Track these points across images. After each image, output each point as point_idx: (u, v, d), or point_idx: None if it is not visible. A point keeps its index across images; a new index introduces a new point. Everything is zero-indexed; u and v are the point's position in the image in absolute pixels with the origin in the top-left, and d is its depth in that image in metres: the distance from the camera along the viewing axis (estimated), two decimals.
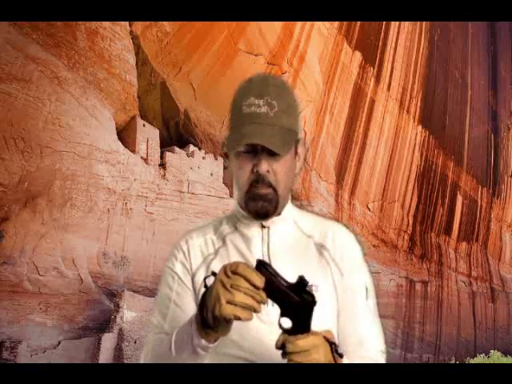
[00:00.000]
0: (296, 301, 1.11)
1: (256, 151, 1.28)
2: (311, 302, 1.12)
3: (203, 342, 1.16)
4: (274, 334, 1.26)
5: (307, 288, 1.12)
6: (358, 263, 1.39)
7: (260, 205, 1.31)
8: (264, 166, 1.28)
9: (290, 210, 1.39)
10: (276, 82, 1.33)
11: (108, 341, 18.23)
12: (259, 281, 1.08)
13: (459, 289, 38.11)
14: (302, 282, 1.11)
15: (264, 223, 1.36)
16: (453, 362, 30.15)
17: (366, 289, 1.38)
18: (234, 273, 1.08)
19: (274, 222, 1.36)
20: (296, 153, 1.37)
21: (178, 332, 1.23)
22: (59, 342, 17.72)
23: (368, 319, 1.34)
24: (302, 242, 1.37)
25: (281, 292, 1.11)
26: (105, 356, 17.94)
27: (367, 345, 1.31)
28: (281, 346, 1.12)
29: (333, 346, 1.15)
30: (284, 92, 1.32)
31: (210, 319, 1.12)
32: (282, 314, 1.13)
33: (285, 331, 1.12)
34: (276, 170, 1.30)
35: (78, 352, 17.66)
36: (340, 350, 1.17)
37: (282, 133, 1.29)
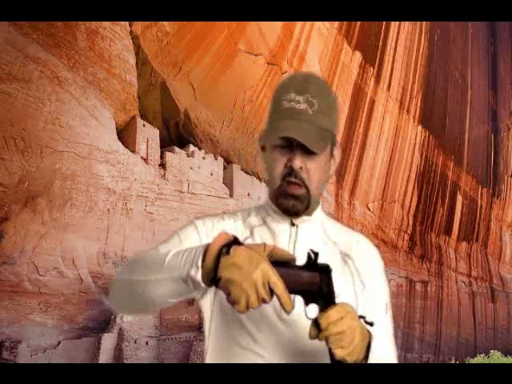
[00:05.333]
0: (313, 275, 1.11)
1: (291, 147, 1.28)
2: (327, 268, 1.12)
3: (199, 277, 1.13)
4: (291, 333, 1.26)
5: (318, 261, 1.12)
6: (380, 277, 1.39)
7: (291, 204, 1.31)
8: (298, 162, 1.28)
9: (319, 214, 1.39)
10: (318, 81, 1.34)
11: (108, 341, 18.22)
12: (289, 306, 1.08)
13: (459, 289, 38.11)
14: (311, 256, 1.12)
15: (294, 221, 1.35)
16: (453, 362, 30.15)
17: (386, 304, 1.37)
18: (271, 290, 1.08)
19: (303, 222, 1.36)
20: (332, 155, 1.36)
21: (182, 252, 1.18)
22: (59, 342, 17.71)
23: (384, 335, 1.33)
24: (328, 246, 1.36)
25: (297, 278, 1.11)
26: (105, 356, 17.94)
27: (380, 357, 1.27)
28: (314, 331, 1.10)
29: (361, 319, 1.16)
30: (325, 92, 1.32)
31: (225, 291, 1.10)
32: (306, 302, 1.13)
33: (314, 319, 1.12)
34: (309, 168, 1.30)
35: (78, 352, 17.66)
36: (368, 319, 1.17)
37: (319, 132, 1.29)
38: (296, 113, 1.28)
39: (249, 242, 1.35)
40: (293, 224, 1.35)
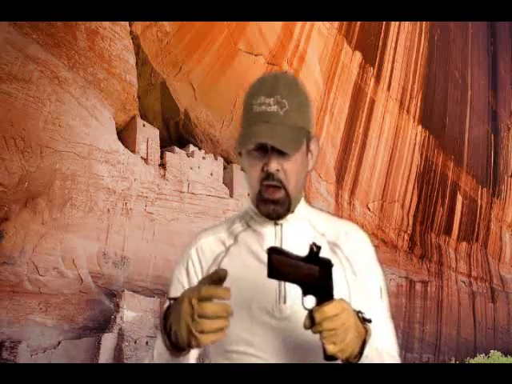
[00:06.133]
0: (312, 268, 1.11)
1: (266, 150, 1.28)
2: (328, 263, 1.12)
3: (176, 357, 1.18)
4: (286, 331, 1.26)
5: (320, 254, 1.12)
6: (371, 263, 1.38)
7: (272, 208, 1.31)
8: (273, 165, 1.28)
9: (303, 208, 1.39)
10: (287, 80, 1.32)
11: (108, 341, 18.22)
12: (225, 293, 1.08)
13: (459, 289, 38.11)
14: (313, 248, 1.12)
15: (277, 220, 1.36)
16: (453, 362, 30.17)
17: (380, 289, 1.36)
18: (199, 299, 1.08)
19: (287, 219, 1.35)
20: (308, 150, 1.36)
21: (156, 347, 1.25)
22: (59, 342, 17.71)
23: (381, 322, 1.32)
24: (315, 239, 1.34)
25: (296, 268, 1.11)
26: (105, 356, 17.94)
27: (378, 347, 1.27)
28: (309, 323, 1.10)
29: (359, 314, 1.16)
30: (295, 90, 1.31)
31: (184, 345, 1.12)
32: (304, 292, 1.13)
33: (310, 311, 1.12)
34: (286, 169, 1.29)
35: (78, 352, 17.66)
36: (366, 316, 1.17)
37: (292, 132, 1.28)
38: (267, 116, 1.27)
39: (232, 249, 1.37)
40: (276, 223, 1.36)
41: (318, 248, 1.12)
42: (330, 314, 1.09)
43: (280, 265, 1.11)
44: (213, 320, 1.07)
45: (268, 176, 1.28)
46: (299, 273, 1.11)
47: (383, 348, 1.28)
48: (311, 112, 1.37)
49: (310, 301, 1.13)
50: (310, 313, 1.10)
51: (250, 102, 1.31)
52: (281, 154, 1.28)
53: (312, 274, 1.11)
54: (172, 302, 1.16)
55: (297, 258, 1.12)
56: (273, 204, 1.30)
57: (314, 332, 1.10)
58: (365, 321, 1.16)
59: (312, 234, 1.37)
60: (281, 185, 1.29)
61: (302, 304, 1.13)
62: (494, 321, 40.40)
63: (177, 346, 1.15)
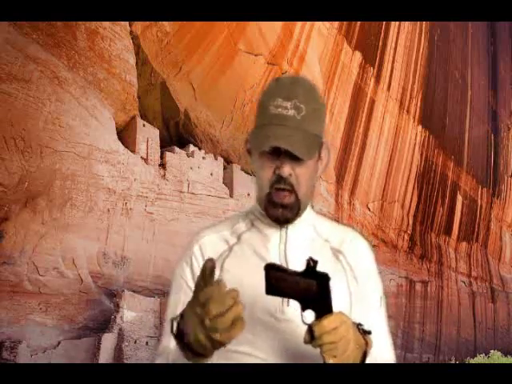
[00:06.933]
0: (310, 283, 1.11)
1: (279, 153, 1.27)
2: (325, 277, 1.12)
3: (197, 361, 1.15)
4: (288, 333, 1.26)
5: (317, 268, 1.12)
6: (372, 271, 1.39)
7: (280, 212, 1.30)
8: (286, 169, 1.28)
9: (309, 213, 1.39)
10: (305, 85, 1.31)
11: (108, 341, 18.22)
12: (220, 286, 1.05)
13: (459, 289, 38.12)
14: (310, 263, 1.12)
15: (284, 225, 1.35)
16: (453, 362, 30.19)
17: (380, 299, 1.38)
18: (201, 306, 1.05)
19: (293, 223, 1.35)
20: (319, 157, 1.36)
21: (174, 355, 1.21)
22: (59, 342, 17.71)
23: (379, 330, 1.33)
24: (319, 244, 1.36)
25: (294, 284, 1.11)
26: (105, 356, 17.94)
27: (377, 356, 1.28)
28: (309, 337, 1.10)
29: (359, 326, 1.16)
30: (312, 96, 1.31)
31: (211, 353, 1.10)
32: (303, 308, 1.13)
33: (309, 326, 1.11)
34: (298, 174, 1.29)
35: (78, 352, 17.66)
36: (366, 328, 1.17)
37: (307, 138, 1.28)
38: (284, 119, 1.26)
39: (236, 248, 1.36)
40: (282, 226, 1.36)
41: (315, 262, 1.12)
42: (329, 327, 1.09)
43: (278, 281, 1.11)
44: (223, 316, 1.04)
45: (280, 179, 1.28)
46: (297, 288, 1.11)
47: (380, 358, 1.29)
48: (325, 119, 1.36)
49: (310, 316, 1.12)
50: (310, 327, 1.10)
51: (266, 102, 1.30)
52: (294, 158, 1.27)
53: (310, 288, 1.11)
54: (178, 319, 1.13)
55: (294, 273, 1.12)
56: (282, 208, 1.30)
57: (315, 346, 1.10)
58: (365, 333, 1.17)
59: (316, 239, 1.38)
60: (292, 189, 1.29)
61: (302, 319, 1.13)
62: (493, 321, 40.41)
63: (205, 355, 1.12)
